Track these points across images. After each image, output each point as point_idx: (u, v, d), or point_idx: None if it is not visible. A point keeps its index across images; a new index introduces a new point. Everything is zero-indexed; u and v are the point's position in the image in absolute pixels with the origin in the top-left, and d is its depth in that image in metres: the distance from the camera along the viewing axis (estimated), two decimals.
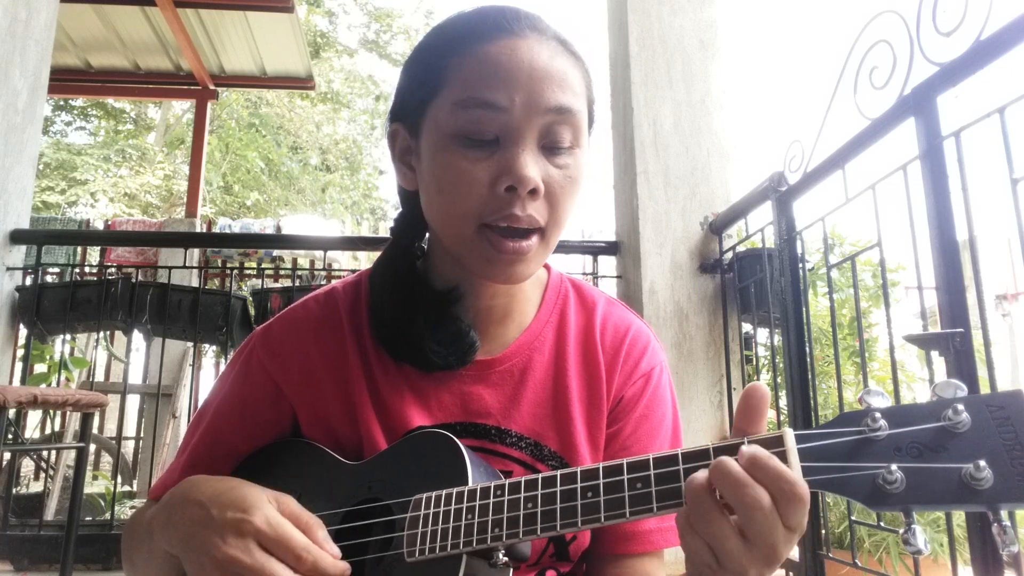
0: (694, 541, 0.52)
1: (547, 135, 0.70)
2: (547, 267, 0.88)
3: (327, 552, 0.63)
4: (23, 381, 3.25)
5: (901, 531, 0.49)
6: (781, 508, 0.49)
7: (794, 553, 1.95)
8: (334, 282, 0.87)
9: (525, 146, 0.68)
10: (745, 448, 0.51)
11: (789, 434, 0.52)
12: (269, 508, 0.62)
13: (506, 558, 0.61)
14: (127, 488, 4.01)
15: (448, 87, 0.70)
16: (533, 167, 0.68)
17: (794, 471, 0.51)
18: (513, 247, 0.68)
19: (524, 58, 0.69)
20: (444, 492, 0.64)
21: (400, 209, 0.84)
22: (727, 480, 0.50)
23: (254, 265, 5.28)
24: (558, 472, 0.60)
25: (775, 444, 0.52)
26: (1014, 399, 0.48)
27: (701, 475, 0.52)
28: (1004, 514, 0.46)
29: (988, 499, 0.46)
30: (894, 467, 0.48)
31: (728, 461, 0.50)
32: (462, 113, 0.69)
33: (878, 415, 0.50)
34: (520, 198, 0.67)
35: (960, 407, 0.48)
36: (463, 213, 0.69)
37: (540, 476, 0.60)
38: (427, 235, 0.84)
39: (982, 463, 0.46)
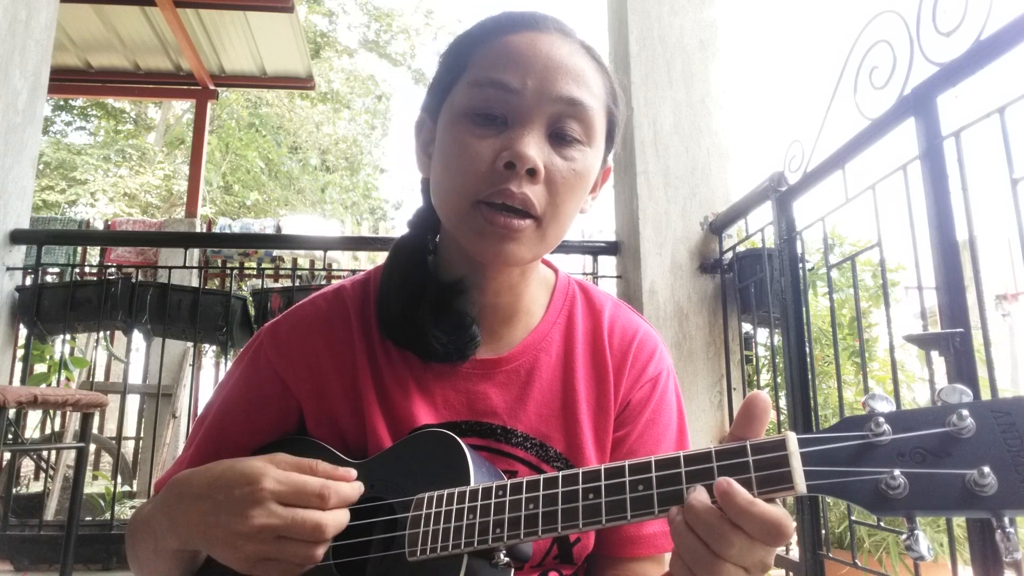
0: (692, 541, 0.53)
1: (556, 124, 0.70)
2: (554, 269, 0.89)
3: (341, 479, 0.65)
4: (23, 381, 3.25)
5: (904, 537, 0.48)
6: (761, 540, 0.51)
7: (794, 553, 1.95)
8: (343, 280, 0.87)
9: (531, 129, 0.69)
10: (719, 483, 0.52)
11: (792, 438, 0.52)
12: (272, 469, 0.63)
13: (507, 558, 0.61)
14: (127, 488, 4.00)
15: (467, 72, 0.72)
16: (535, 148, 0.68)
17: (796, 475, 0.51)
18: (504, 221, 0.68)
19: (543, 49, 0.71)
20: (446, 492, 0.64)
21: (420, 204, 0.84)
22: (709, 523, 0.51)
23: (254, 265, 5.28)
24: (560, 473, 0.60)
25: (777, 448, 0.52)
26: (1019, 405, 0.47)
27: (706, 500, 0.52)
28: (1007, 520, 0.46)
29: (992, 505, 0.46)
30: (897, 472, 0.48)
31: (704, 506, 0.52)
32: (475, 92, 0.70)
33: (882, 420, 0.50)
34: (518, 175, 0.68)
35: (964, 412, 0.48)
36: (462, 187, 0.70)
37: (542, 477, 0.60)
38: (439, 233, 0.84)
39: (986, 469, 0.45)
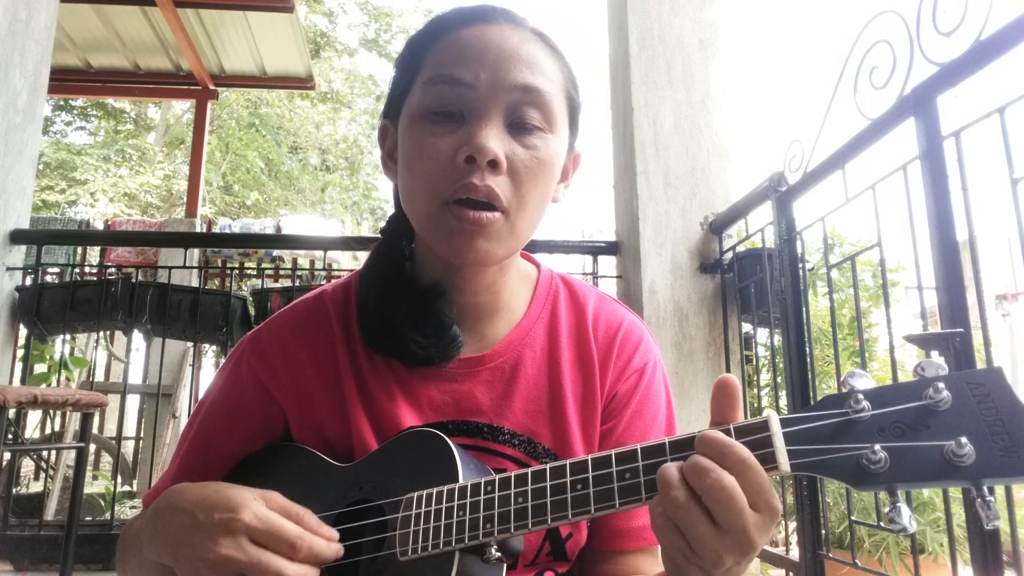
0: (668, 531, 0.53)
1: (514, 113, 0.70)
2: (537, 264, 0.88)
3: (321, 536, 0.63)
4: (23, 381, 3.25)
5: (887, 510, 0.49)
6: (743, 485, 0.50)
7: (794, 553, 1.95)
8: (324, 285, 0.87)
9: (489, 121, 0.69)
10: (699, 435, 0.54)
11: (774, 418, 0.53)
12: (256, 504, 0.62)
13: (499, 553, 0.61)
14: (127, 488, 4.00)
15: (422, 72, 0.73)
16: (494, 140, 0.68)
17: (779, 455, 0.52)
18: (474, 216, 0.68)
19: (493, 40, 0.71)
20: (435, 490, 0.64)
21: (394, 210, 0.84)
22: (692, 470, 0.51)
23: (254, 265, 5.28)
24: (547, 466, 0.60)
25: (760, 429, 0.53)
26: (993, 376, 0.49)
27: (672, 467, 0.53)
28: (986, 489, 0.47)
29: (970, 475, 0.47)
30: (878, 447, 0.49)
31: (695, 455, 0.53)
32: (430, 90, 0.71)
33: (861, 396, 0.51)
34: (479, 168, 0.67)
35: (941, 385, 0.49)
36: (427, 188, 0.70)
37: (529, 471, 0.61)
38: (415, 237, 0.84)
39: (964, 439, 0.46)
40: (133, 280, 2.88)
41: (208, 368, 4.90)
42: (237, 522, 0.60)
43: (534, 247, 2.66)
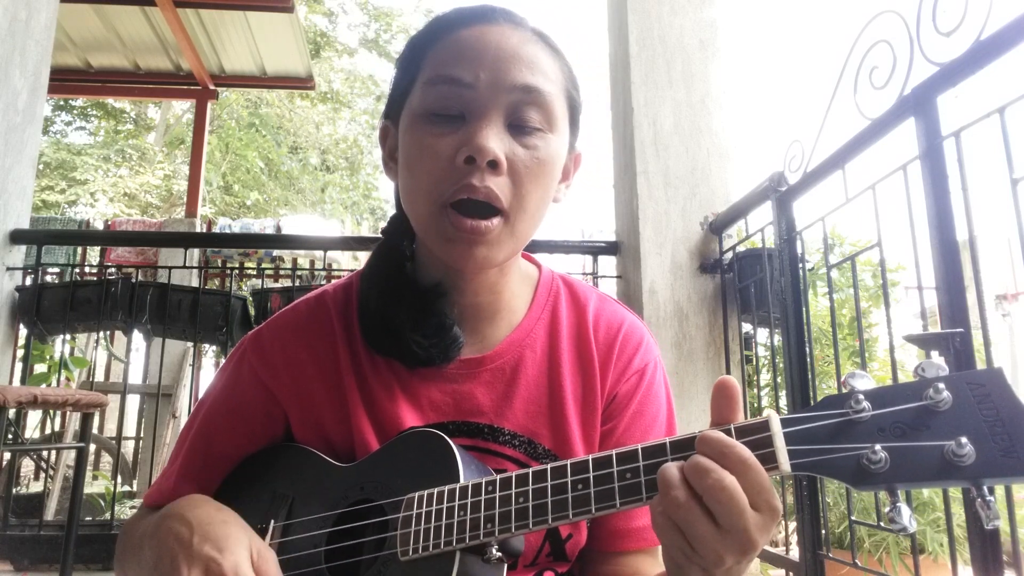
0: (669, 531, 0.53)
1: (514, 114, 0.70)
2: (538, 265, 0.88)
3: None
4: (23, 381, 3.25)
5: (887, 509, 0.49)
6: (744, 485, 0.50)
7: (794, 553, 1.95)
8: (325, 285, 0.87)
9: (489, 121, 0.68)
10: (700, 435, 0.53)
11: (774, 418, 0.53)
12: (243, 557, 0.62)
13: (499, 553, 0.61)
14: (127, 488, 4.01)
15: (422, 73, 0.72)
16: (494, 140, 0.68)
17: (780, 455, 0.52)
18: (472, 225, 0.68)
19: (493, 40, 0.71)
20: (436, 490, 0.64)
21: (395, 210, 0.84)
22: (693, 470, 0.51)
23: (254, 265, 5.28)
24: (548, 466, 0.60)
25: (761, 429, 0.53)
26: (993, 376, 0.49)
27: (673, 467, 0.53)
28: (986, 489, 0.47)
29: (971, 475, 0.47)
30: (878, 447, 0.49)
31: (696, 455, 0.53)
32: (430, 91, 0.70)
33: (861, 397, 0.51)
34: (479, 169, 0.67)
35: (941, 386, 0.49)
36: (426, 189, 0.70)
37: (530, 471, 0.61)
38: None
39: (964, 440, 0.47)
40: (133, 280, 2.88)
41: (208, 368, 4.91)
42: (216, 566, 0.60)
43: (534, 247, 2.66)
